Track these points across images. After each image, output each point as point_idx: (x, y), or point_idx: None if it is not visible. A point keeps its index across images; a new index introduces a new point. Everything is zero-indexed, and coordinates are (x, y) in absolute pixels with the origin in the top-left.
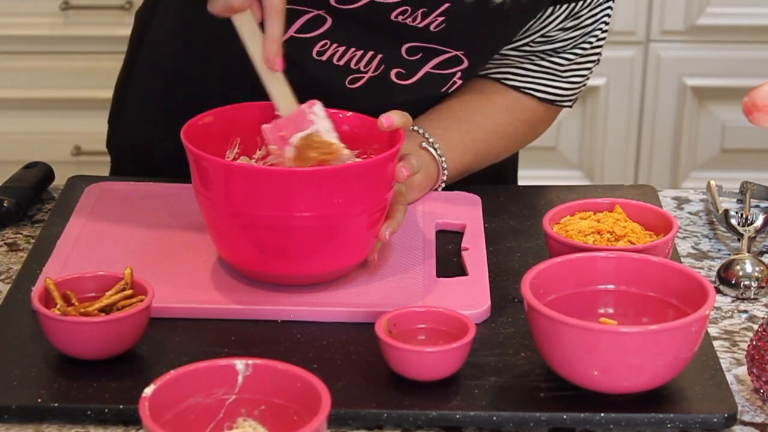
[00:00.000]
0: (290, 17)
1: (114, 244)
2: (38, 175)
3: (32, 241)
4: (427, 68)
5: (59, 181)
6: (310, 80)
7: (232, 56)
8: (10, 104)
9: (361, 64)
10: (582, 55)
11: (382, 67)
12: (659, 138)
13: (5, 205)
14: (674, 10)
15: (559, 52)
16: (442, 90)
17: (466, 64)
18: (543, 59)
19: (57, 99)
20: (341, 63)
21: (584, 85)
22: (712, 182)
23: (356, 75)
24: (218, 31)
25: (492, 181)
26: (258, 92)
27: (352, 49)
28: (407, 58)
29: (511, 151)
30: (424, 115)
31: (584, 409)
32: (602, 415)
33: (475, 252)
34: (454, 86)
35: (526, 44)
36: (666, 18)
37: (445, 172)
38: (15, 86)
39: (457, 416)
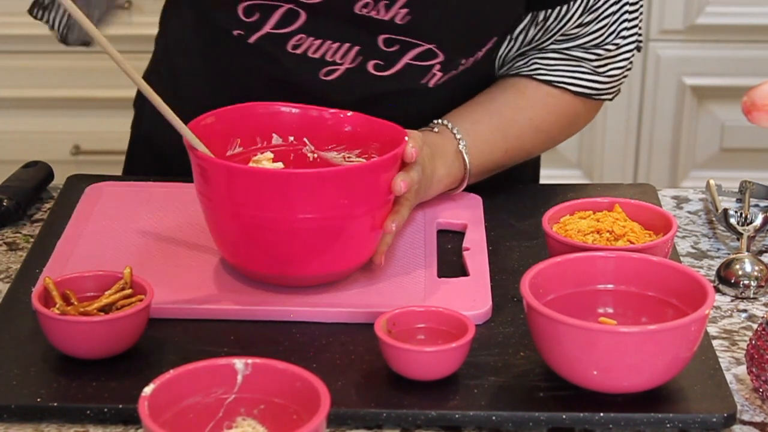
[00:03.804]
0: (265, 13)
1: (114, 243)
2: (37, 175)
3: (31, 240)
4: (406, 59)
5: (58, 180)
6: (284, 73)
7: (241, 70)
8: (10, 104)
9: (337, 56)
10: (612, 50)
11: (359, 59)
12: (658, 137)
13: (4, 204)
14: (673, 9)
15: (589, 49)
16: (422, 82)
17: (441, 57)
18: (572, 55)
19: (56, 98)
20: (316, 55)
21: (625, 76)
22: (712, 181)
23: (331, 67)
24: (226, 44)
25: (510, 178)
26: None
27: (329, 42)
28: (385, 49)
29: (547, 146)
30: (455, 110)
31: (583, 408)
32: (601, 414)
33: (476, 252)
34: (434, 78)
35: (551, 43)
36: (665, 17)
37: (468, 169)
38: (14, 86)
39: (457, 416)
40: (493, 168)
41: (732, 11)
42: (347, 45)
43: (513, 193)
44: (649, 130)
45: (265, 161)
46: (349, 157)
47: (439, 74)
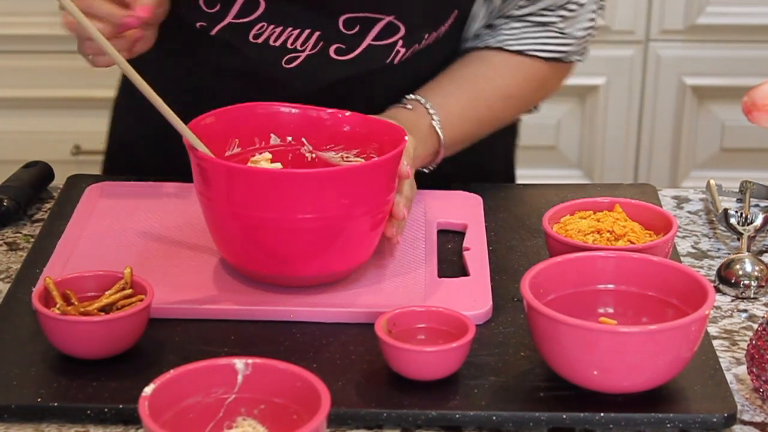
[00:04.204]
0: (226, 3)
1: (114, 243)
2: (38, 175)
3: (32, 240)
4: (368, 41)
5: (59, 180)
6: (247, 64)
7: (207, 63)
8: (10, 104)
9: (298, 43)
10: (575, 9)
11: (320, 45)
12: (659, 137)
13: (5, 204)
14: (674, 9)
15: (553, 10)
16: (387, 61)
17: (403, 30)
18: (537, 21)
19: (57, 98)
20: (277, 44)
21: (590, 35)
22: (712, 181)
23: (292, 54)
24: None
25: (487, 179)
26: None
27: (289, 29)
28: (346, 32)
29: (519, 112)
30: (427, 85)
31: (584, 408)
32: (602, 414)
33: (476, 252)
34: (398, 55)
35: (515, 9)
36: (665, 17)
37: (443, 143)
38: (15, 86)
39: (457, 416)
40: (467, 139)
41: (732, 11)
42: (308, 31)
43: (513, 193)
44: (649, 130)
45: (263, 162)
46: (347, 157)
47: (403, 50)
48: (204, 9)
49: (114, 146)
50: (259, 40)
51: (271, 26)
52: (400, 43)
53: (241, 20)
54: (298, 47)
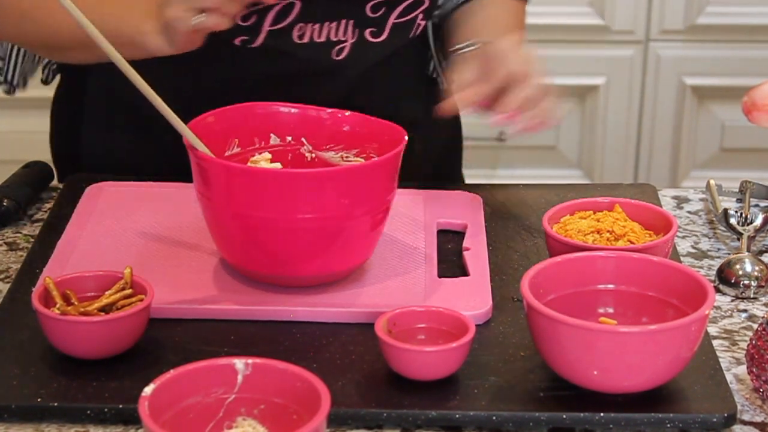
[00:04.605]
0: (260, 13)
1: (114, 243)
2: (37, 175)
3: (31, 240)
4: (392, 20)
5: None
6: (298, 64)
7: (245, 77)
8: (10, 104)
9: (340, 34)
10: None
11: (356, 31)
12: (659, 137)
13: (4, 204)
14: (674, 9)
15: None
16: (410, 35)
17: (427, 3)
18: None
19: None
20: (322, 39)
21: None
22: (712, 181)
23: (340, 46)
24: None
25: (439, 179)
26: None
27: (327, 23)
28: (373, 16)
29: None
30: (465, 29)
31: (584, 408)
32: (602, 414)
33: (476, 252)
34: (419, 28)
35: None
36: (665, 17)
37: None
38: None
39: (457, 416)
40: None
41: (732, 11)
42: (344, 21)
43: (513, 193)
44: (649, 130)
45: (263, 162)
46: (347, 157)
47: (422, 23)
48: (240, 23)
49: (87, 149)
50: (305, 40)
51: (309, 24)
52: (420, 17)
53: (279, 26)
54: (341, 37)
